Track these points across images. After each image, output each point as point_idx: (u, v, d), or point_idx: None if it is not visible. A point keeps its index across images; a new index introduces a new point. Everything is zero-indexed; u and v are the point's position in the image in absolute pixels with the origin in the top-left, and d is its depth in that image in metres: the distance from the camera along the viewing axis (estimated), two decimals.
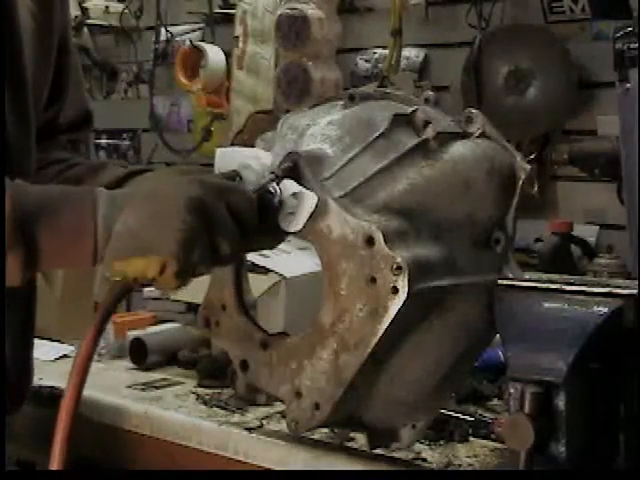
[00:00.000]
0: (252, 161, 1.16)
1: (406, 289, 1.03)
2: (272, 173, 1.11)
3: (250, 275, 1.29)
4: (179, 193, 1.03)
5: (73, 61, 1.42)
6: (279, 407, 1.40)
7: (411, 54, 2.41)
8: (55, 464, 0.94)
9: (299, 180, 1.11)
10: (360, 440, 1.28)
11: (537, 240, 2.15)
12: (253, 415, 1.44)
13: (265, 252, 1.76)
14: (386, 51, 2.34)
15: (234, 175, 1.13)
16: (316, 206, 1.08)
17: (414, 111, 1.17)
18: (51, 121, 1.38)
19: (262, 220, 1.08)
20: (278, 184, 1.10)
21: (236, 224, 1.04)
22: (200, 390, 1.58)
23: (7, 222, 1.00)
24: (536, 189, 1.21)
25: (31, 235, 1.01)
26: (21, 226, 1.01)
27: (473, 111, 1.21)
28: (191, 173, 1.12)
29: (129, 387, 1.63)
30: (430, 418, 1.21)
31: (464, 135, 1.19)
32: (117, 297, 1.07)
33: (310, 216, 1.09)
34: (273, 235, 1.14)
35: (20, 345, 1.33)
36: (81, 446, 1.62)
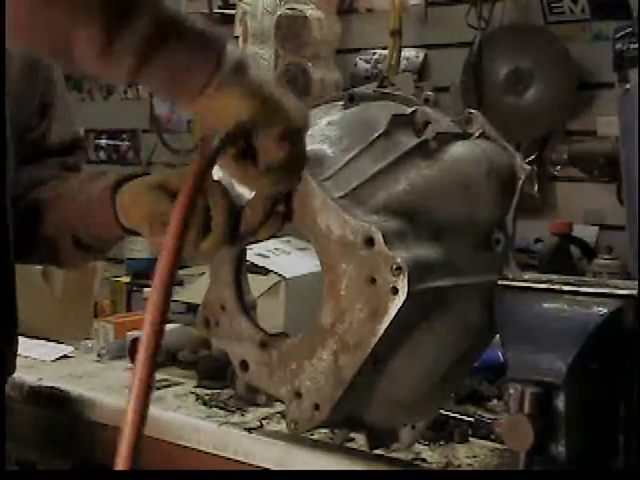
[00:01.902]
0: None
1: (406, 289, 1.03)
2: None
3: (250, 275, 1.29)
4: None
5: (58, 77, 1.39)
6: (279, 407, 1.40)
7: (411, 54, 2.41)
8: (121, 464, 0.77)
9: (300, 181, 1.11)
10: (360, 440, 1.28)
11: (537, 241, 2.15)
12: (253, 415, 1.44)
13: (265, 252, 1.77)
14: (386, 51, 2.34)
15: None
16: None
17: (414, 111, 1.17)
18: (39, 141, 1.35)
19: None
20: None
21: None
22: (200, 390, 1.59)
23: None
24: (536, 189, 1.21)
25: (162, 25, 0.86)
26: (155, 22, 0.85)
27: (473, 112, 1.21)
28: None
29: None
30: (430, 418, 1.21)
31: (464, 136, 1.20)
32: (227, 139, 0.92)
33: None
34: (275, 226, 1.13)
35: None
36: (81, 446, 1.62)
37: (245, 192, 1.09)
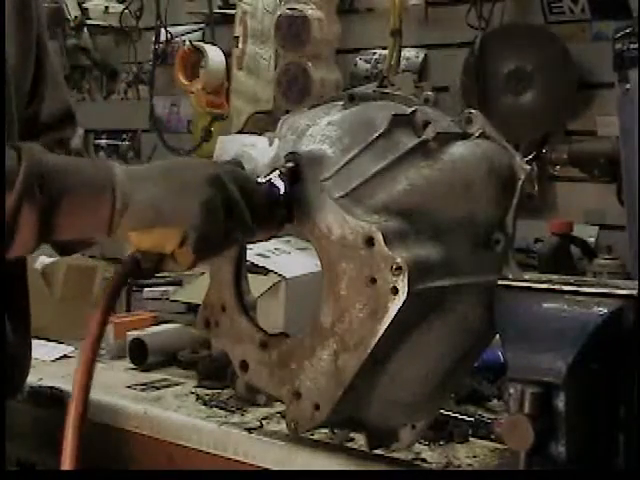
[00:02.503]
0: (249, 148, 1.16)
1: (406, 289, 1.03)
2: (276, 169, 1.12)
3: (250, 275, 1.29)
4: (198, 168, 1.05)
5: (49, 56, 1.40)
6: (279, 407, 1.40)
7: (411, 54, 2.41)
8: (67, 464, 0.95)
9: (300, 181, 1.11)
10: (360, 440, 1.28)
11: (537, 240, 2.15)
12: (253, 415, 1.44)
13: (265, 252, 1.77)
14: (386, 51, 2.34)
15: (238, 163, 1.13)
16: None
17: (414, 111, 1.17)
18: (32, 119, 1.36)
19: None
20: (283, 180, 1.11)
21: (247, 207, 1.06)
22: (200, 390, 1.59)
23: (23, 175, 0.96)
24: (536, 189, 1.21)
25: (48, 191, 0.98)
26: (38, 180, 0.97)
27: (473, 112, 1.21)
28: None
29: (129, 387, 1.63)
30: (430, 418, 1.21)
31: (464, 136, 1.20)
32: (124, 276, 1.06)
33: None
34: (274, 227, 1.14)
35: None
36: (81, 447, 1.62)
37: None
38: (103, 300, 1.02)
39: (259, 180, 1.11)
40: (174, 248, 1.02)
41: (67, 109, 1.44)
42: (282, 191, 1.11)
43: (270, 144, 1.21)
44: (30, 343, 1.37)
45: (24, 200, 0.95)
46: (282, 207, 1.11)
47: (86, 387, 1.05)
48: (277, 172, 1.12)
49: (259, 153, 1.17)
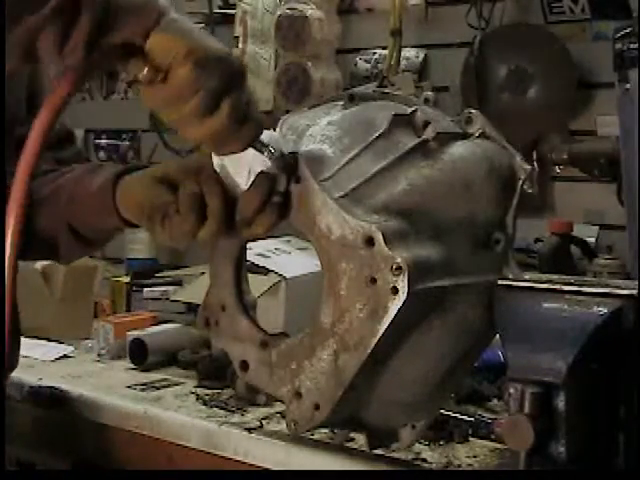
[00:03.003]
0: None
1: (406, 289, 1.03)
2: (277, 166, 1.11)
3: (250, 275, 1.29)
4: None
5: (43, 76, 1.37)
6: (279, 407, 1.40)
7: (411, 54, 2.41)
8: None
9: (300, 181, 1.11)
10: (360, 440, 1.28)
11: (537, 240, 2.15)
12: (253, 415, 1.45)
13: (265, 252, 1.77)
14: (386, 51, 2.34)
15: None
16: None
17: (414, 111, 1.17)
18: (27, 135, 1.35)
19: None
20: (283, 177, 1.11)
21: None
22: (200, 390, 1.59)
23: None
24: (536, 189, 1.21)
25: None
26: None
27: (473, 111, 1.21)
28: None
29: (129, 387, 1.63)
30: (430, 418, 1.21)
31: (464, 135, 1.19)
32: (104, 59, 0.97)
33: None
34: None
35: None
36: (81, 446, 1.62)
37: (241, 182, 1.10)
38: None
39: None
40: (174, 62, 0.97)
41: (65, 129, 1.43)
42: (281, 185, 1.10)
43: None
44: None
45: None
46: (277, 197, 1.10)
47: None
48: (277, 162, 1.10)
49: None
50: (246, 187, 1.09)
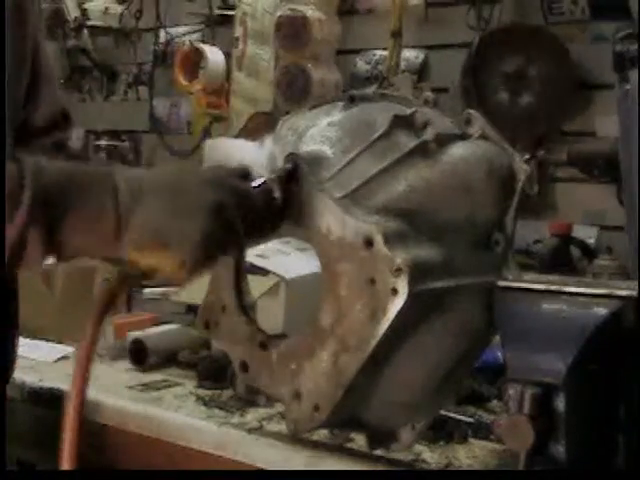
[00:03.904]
0: (237, 152, 1.16)
1: (406, 290, 1.03)
2: (274, 174, 1.11)
3: (250, 276, 1.29)
4: (202, 192, 1.04)
5: (44, 60, 1.39)
6: (279, 408, 1.40)
7: (411, 55, 2.41)
8: (66, 464, 0.97)
9: (300, 182, 1.12)
10: (360, 441, 1.28)
11: (536, 241, 2.15)
12: (253, 416, 1.44)
13: (265, 253, 1.77)
14: (386, 52, 2.34)
15: (246, 171, 1.12)
16: None
17: (414, 112, 1.17)
18: (25, 123, 1.36)
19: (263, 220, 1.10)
20: (280, 183, 1.11)
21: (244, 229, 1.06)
22: (200, 391, 1.59)
23: (27, 196, 0.95)
24: (535, 190, 1.21)
25: (53, 210, 0.98)
26: (42, 197, 0.97)
27: (472, 112, 1.21)
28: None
29: (129, 388, 1.63)
30: (430, 419, 1.21)
31: (463, 136, 1.20)
32: (115, 292, 1.06)
33: None
34: (266, 236, 1.15)
35: None
36: (81, 446, 1.62)
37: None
38: (95, 311, 1.04)
39: (254, 184, 1.10)
40: (170, 271, 1.03)
41: (61, 110, 1.43)
42: (277, 195, 1.11)
43: (260, 145, 1.21)
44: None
45: (31, 219, 0.96)
46: (276, 215, 1.11)
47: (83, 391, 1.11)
48: (274, 176, 1.11)
49: (251, 154, 1.17)
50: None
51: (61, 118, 1.42)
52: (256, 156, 1.17)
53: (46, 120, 1.39)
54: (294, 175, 1.12)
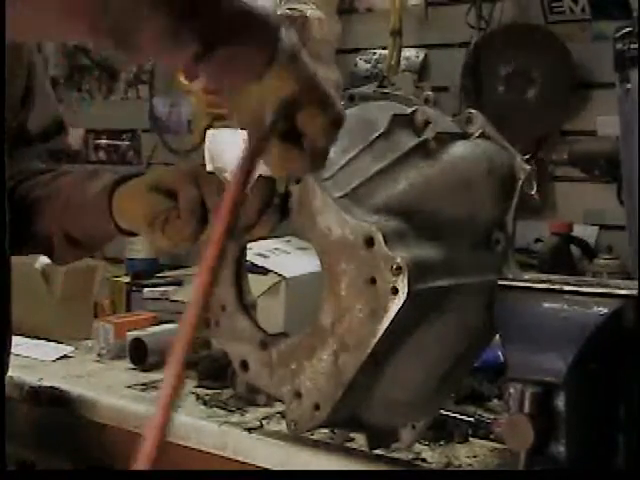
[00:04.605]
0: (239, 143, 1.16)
1: (406, 290, 1.03)
2: None
3: (250, 275, 1.29)
4: None
5: (37, 64, 1.39)
6: (279, 407, 1.40)
7: (411, 54, 2.41)
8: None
9: (299, 181, 1.11)
10: (360, 440, 1.28)
11: (537, 240, 2.15)
12: (253, 415, 1.44)
13: (265, 252, 1.77)
14: (386, 51, 2.34)
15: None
16: None
17: (414, 111, 1.17)
18: (18, 129, 1.35)
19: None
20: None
21: None
22: (200, 390, 1.59)
23: None
24: (535, 190, 1.21)
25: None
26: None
27: (473, 111, 1.21)
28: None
29: (129, 387, 1.63)
30: (430, 418, 1.21)
31: (464, 135, 1.20)
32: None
33: None
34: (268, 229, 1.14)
35: None
36: (81, 446, 1.62)
37: None
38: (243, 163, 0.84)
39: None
40: (325, 125, 0.88)
41: (56, 119, 1.43)
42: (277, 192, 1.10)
43: None
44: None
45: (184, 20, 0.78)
46: (277, 199, 1.10)
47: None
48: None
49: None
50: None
51: (56, 127, 1.42)
52: None
53: (41, 128, 1.39)
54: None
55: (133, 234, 1.22)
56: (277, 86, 0.87)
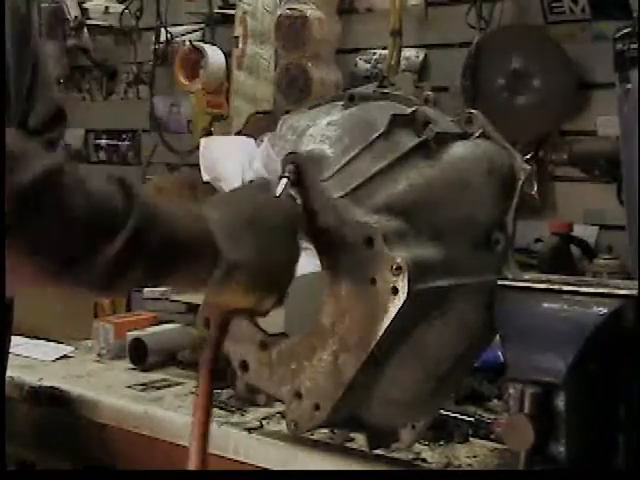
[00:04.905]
0: (232, 150, 1.16)
1: (406, 290, 1.03)
2: (282, 177, 1.11)
3: None
4: (275, 216, 1.04)
5: (42, 60, 1.40)
6: (279, 407, 1.40)
7: (411, 54, 2.40)
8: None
9: (302, 181, 1.11)
10: (360, 440, 1.28)
11: (537, 240, 2.15)
12: (253, 415, 1.44)
13: None
14: (386, 51, 2.34)
15: (265, 181, 1.13)
16: None
17: (414, 111, 1.17)
18: (21, 122, 1.36)
19: None
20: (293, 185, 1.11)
21: None
22: None
23: (135, 220, 0.83)
24: (535, 189, 1.21)
25: (154, 244, 0.86)
26: (148, 227, 0.86)
27: (473, 111, 1.21)
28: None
29: (129, 387, 1.63)
30: (430, 418, 1.21)
31: (464, 135, 1.20)
32: (221, 328, 1.08)
33: None
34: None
35: None
36: (81, 446, 1.62)
37: None
38: (203, 370, 1.11)
39: (277, 192, 1.09)
40: (269, 308, 1.04)
41: (58, 110, 1.44)
42: (298, 200, 1.11)
43: (258, 146, 1.21)
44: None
45: (130, 247, 0.84)
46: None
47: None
48: (285, 181, 1.10)
49: (246, 150, 1.17)
50: None
51: (57, 117, 1.43)
52: (251, 151, 1.16)
53: (42, 119, 1.39)
54: (300, 176, 1.12)
55: None
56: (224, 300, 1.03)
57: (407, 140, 1.15)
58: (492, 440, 1.34)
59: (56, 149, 1.41)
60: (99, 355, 1.84)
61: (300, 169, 1.12)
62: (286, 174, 1.11)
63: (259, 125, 2.40)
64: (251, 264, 0.98)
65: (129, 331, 1.79)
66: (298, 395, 1.15)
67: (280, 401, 1.22)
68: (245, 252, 0.97)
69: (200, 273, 0.94)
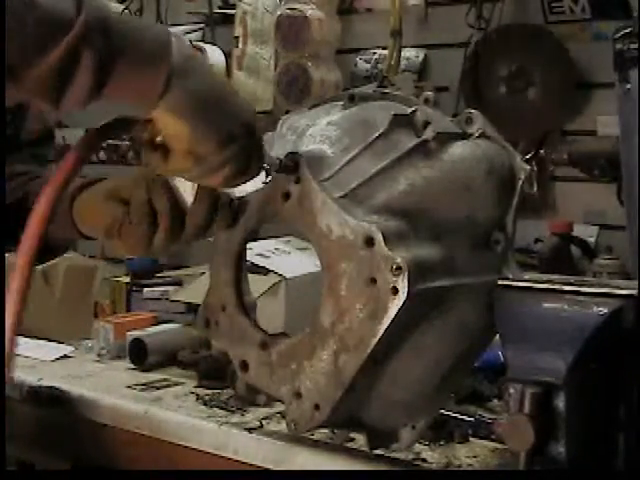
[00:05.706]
0: None
1: (406, 290, 1.03)
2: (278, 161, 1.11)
3: (250, 275, 1.29)
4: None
5: None
6: (279, 407, 1.40)
7: (411, 54, 2.41)
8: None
9: (301, 181, 1.11)
10: (360, 440, 1.28)
11: (537, 240, 2.15)
12: (253, 415, 1.44)
13: (265, 252, 1.77)
14: (386, 52, 2.34)
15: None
16: None
17: (414, 111, 1.17)
18: (11, 136, 1.37)
19: None
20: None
21: None
22: (200, 390, 1.59)
23: (85, 17, 0.84)
24: (535, 189, 1.21)
25: (109, 40, 0.88)
26: (100, 24, 0.87)
27: (473, 111, 1.21)
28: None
29: (129, 387, 1.63)
30: (430, 418, 1.21)
31: (464, 136, 1.20)
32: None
33: None
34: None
35: None
36: (81, 446, 1.62)
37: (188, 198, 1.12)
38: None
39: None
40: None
41: (47, 129, 1.45)
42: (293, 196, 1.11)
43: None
44: None
45: (84, 43, 0.85)
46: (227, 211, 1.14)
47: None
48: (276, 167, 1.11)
49: None
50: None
51: (45, 136, 1.44)
52: None
53: (32, 134, 1.40)
54: (294, 174, 1.12)
55: (94, 238, 1.26)
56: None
57: (407, 140, 1.15)
58: (492, 440, 1.34)
59: (43, 164, 1.42)
60: (99, 355, 1.84)
61: (299, 169, 1.12)
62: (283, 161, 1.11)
63: (259, 125, 2.41)
64: (193, 93, 0.97)
65: (129, 331, 1.79)
66: (298, 395, 1.15)
67: (280, 401, 1.22)
68: (193, 82, 0.98)
69: (149, 84, 0.94)
